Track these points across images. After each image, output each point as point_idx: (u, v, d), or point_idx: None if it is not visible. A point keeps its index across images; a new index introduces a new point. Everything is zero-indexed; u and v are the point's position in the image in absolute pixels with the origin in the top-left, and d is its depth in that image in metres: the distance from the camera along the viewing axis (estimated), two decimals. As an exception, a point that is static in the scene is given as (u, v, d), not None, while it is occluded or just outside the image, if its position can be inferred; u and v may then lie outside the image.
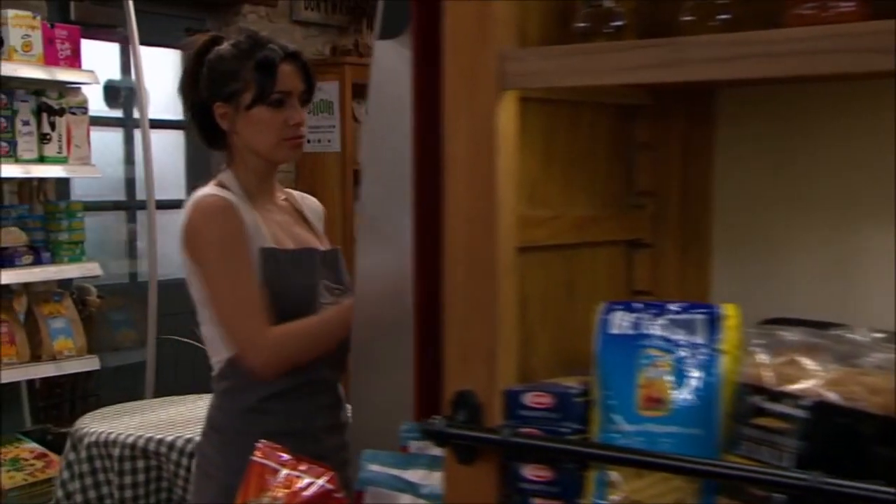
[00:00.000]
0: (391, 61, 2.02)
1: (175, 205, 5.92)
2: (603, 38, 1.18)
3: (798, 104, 1.35)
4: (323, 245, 2.57)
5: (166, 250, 5.91)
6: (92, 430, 3.29)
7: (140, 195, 5.50)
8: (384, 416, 2.10)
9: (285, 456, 1.61)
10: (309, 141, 6.59)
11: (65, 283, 5.03)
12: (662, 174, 1.43)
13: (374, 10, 6.76)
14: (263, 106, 2.42)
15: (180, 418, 3.43)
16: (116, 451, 3.16)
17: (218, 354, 2.46)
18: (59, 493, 3.32)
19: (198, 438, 3.14)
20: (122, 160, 5.63)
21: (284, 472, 1.56)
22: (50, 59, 4.56)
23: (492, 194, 1.20)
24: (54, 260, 4.70)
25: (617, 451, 1.08)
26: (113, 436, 3.21)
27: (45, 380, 4.99)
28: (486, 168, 1.20)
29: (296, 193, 2.67)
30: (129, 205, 5.69)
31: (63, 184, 5.43)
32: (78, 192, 5.47)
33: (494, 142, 1.20)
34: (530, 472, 1.17)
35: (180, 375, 5.42)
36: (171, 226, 5.89)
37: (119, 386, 5.35)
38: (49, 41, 4.55)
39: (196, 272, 2.43)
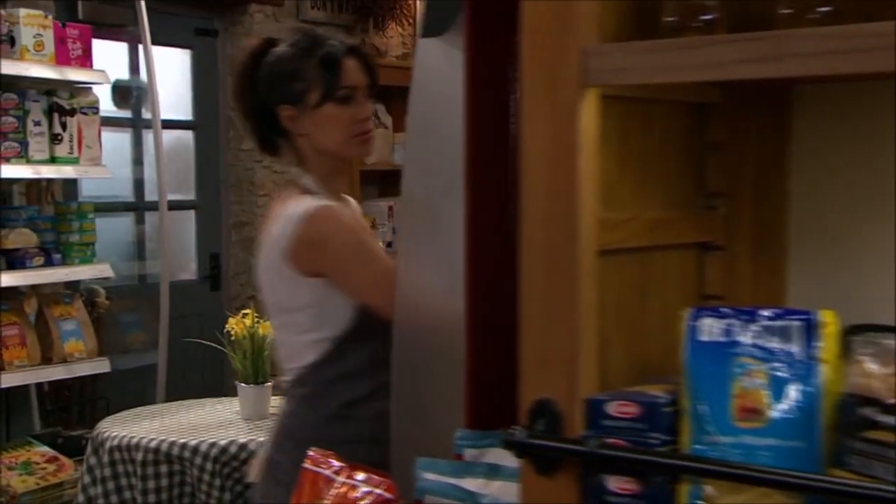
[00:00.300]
0: (435, 60, 1.98)
1: (183, 205, 5.94)
2: (692, 33, 1.13)
3: (878, 101, 1.31)
4: None
5: (175, 252, 5.89)
6: (113, 433, 3.24)
7: (150, 196, 5.45)
8: (427, 421, 2.06)
9: (337, 463, 1.57)
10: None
11: (72, 285, 4.98)
12: (735, 174, 1.39)
13: (380, 10, 6.72)
14: (331, 103, 2.39)
15: (202, 422, 3.38)
16: (139, 456, 3.11)
17: (297, 360, 2.42)
18: (81, 497, 3.27)
19: (222, 443, 3.11)
20: (130, 161, 5.57)
21: (340, 479, 1.51)
22: (61, 58, 4.51)
23: (572, 195, 1.16)
24: (65, 261, 4.66)
25: (719, 465, 1.03)
26: (135, 440, 3.16)
27: (53, 382, 4.95)
28: (567, 168, 1.16)
29: (352, 200, 2.64)
30: (140, 206, 5.63)
31: (71, 185, 5.38)
32: (85, 193, 5.42)
33: (576, 141, 1.15)
34: (616, 484, 1.13)
35: (189, 378, 5.36)
36: (178, 227, 5.91)
37: (128, 389, 5.31)
38: (60, 41, 4.51)
39: (313, 280, 2.37)
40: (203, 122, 5.99)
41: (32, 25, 4.37)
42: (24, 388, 4.78)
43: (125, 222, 5.69)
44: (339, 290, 2.38)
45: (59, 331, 4.63)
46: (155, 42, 4.93)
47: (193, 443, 3.12)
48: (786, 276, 1.38)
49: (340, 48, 2.42)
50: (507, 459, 1.61)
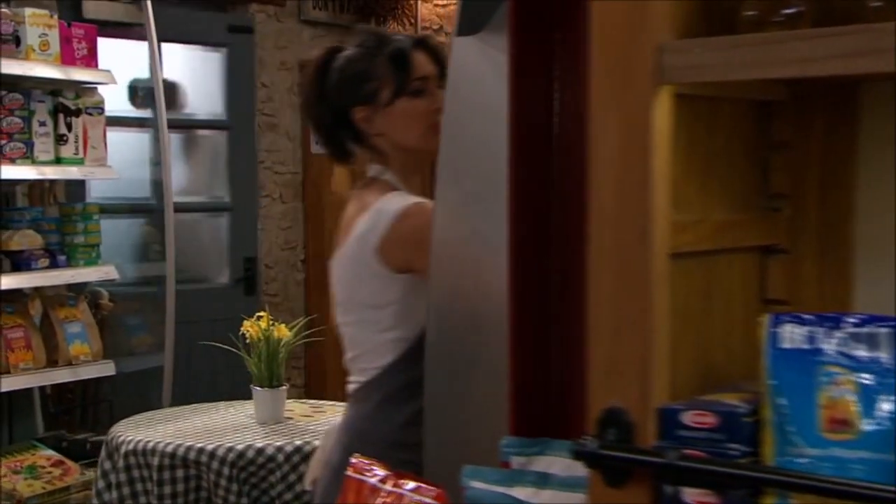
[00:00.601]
0: (470, 59, 1.94)
1: (216, 208, 5.88)
2: (773, 28, 1.09)
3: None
4: None
5: (206, 255, 5.82)
6: (128, 437, 3.19)
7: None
8: (463, 427, 2.01)
9: (382, 472, 1.52)
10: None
11: (76, 287, 4.92)
12: (800, 174, 1.34)
13: (381, 10, 6.68)
14: (404, 97, 2.38)
15: (216, 426, 3.33)
16: (155, 460, 3.06)
17: (372, 360, 2.39)
18: (96, 502, 3.21)
19: (239, 447, 3.07)
20: (148, 161, 5.50)
21: (386, 488, 1.47)
22: (67, 58, 4.46)
23: (645, 197, 1.12)
24: (70, 263, 4.60)
25: (811, 479, 0.99)
26: (151, 444, 3.11)
27: (55, 385, 4.89)
28: (640, 169, 1.12)
29: None
30: (148, 207, 5.55)
31: (77, 186, 5.33)
32: (95, 195, 5.36)
33: (649, 140, 1.11)
34: (694, 497, 1.08)
35: (192, 381, 5.30)
36: (211, 230, 5.84)
37: (131, 391, 5.25)
38: (66, 40, 4.46)
39: (402, 276, 2.35)
40: (236, 122, 5.89)
41: (38, 25, 4.32)
42: (27, 391, 4.73)
43: (140, 224, 5.62)
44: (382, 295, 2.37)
45: (64, 333, 4.58)
46: (185, 41, 4.89)
47: (210, 447, 3.07)
48: (852, 280, 1.33)
49: (407, 42, 2.42)
50: (556, 467, 1.57)
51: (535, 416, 1.63)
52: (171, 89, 5.67)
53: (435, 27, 7.25)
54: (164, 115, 4.76)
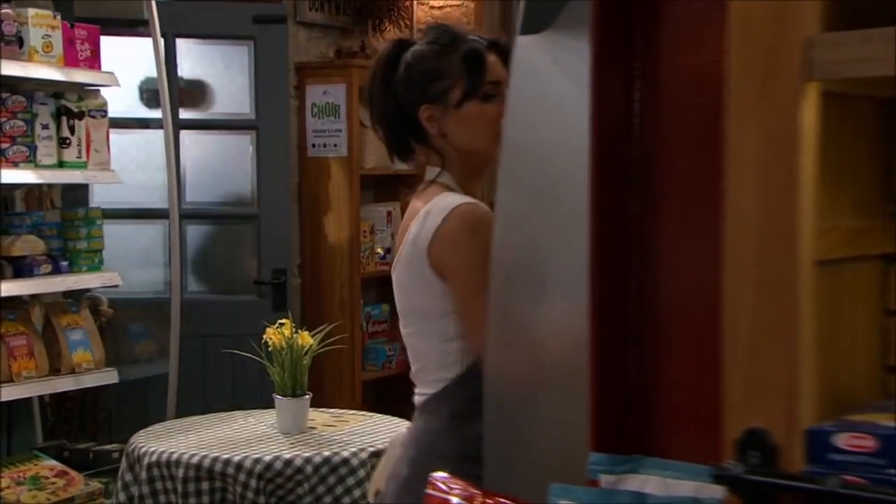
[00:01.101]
0: (536, 58, 1.86)
1: (242, 216, 5.66)
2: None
3: None
4: None
5: (231, 267, 5.63)
6: (150, 448, 3.08)
7: (182, 203, 5.22)
8: (528, 444, 1.93)
9: (467, 489, 1.44)
10: (314, 145, 6.41)
11: (76, 293, 4.81)
12: (926, 178, 1.27)
13: (378, 12, 6.58)
14: (475, 100, 2.30)
15: (239, 437, 3.23)
16: (180, 472, 2.96)
17: (440, 372, 2.31)
18: (116, 516, 3.12)
19: (267, 458, 2.97)
20: (161, 165, 5.38)
21: (475, 510, 1.39)
22: (70, 60, 4.36)
23: (792, 201, 1.04)
24: (72, 269, 4.50)
25: None
26: (175, 455, 3.01)
27: (54, 394, 4.79)
28: (786, 171, 1.04)
29: None
30: (152, 212, 5.42)
31: (78, 190, 5.22)
32: (99, 199, 5.26)
33: (796, 140, 1.04)
34: (851, 526, 1.01)
35: (194, 391, 5.18)
36: (237, 239, 5.61)
37: (132, 400, 5.15)
38: (69, 41, 4.35)
39: (443, 283, 2.27)
40: (266, 122, 5.56)
41: (41, 26, 4.21)
42: (26, 400, 4.62)
43: (151, 229, 5.48)
44: (453, 299, 2.27)
45: (66, 340, 4.47)
46: (205, 35, 4.76)
47: (237, 458, 2.97)
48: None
49: (482, 43, 2.34)
50: (651, 487, 1.49)
51: (617, 431, 1.55)
52: (192, 88, 5.54)
53: (431, 29, 7.18)
54: (169, 115, 4.65)
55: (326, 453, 2.99)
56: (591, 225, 1.54)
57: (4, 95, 4.16)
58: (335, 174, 6.30)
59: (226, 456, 3.00)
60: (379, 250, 6.57)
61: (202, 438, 3.19)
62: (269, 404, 3.40)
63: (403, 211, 7.31)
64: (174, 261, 4.77)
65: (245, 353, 3.44)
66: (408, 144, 2.41)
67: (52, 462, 4.50)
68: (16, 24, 4.14)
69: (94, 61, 4.46)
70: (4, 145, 4.13)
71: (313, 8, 6.63)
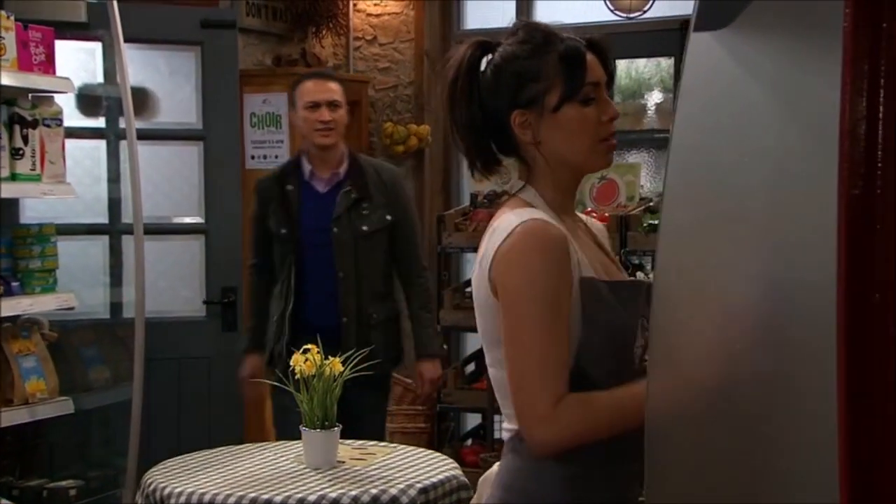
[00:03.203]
0: (714, 58, 1.65)
1: (187, 230, 5.21)
2: None
3: None
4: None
5: (178, 283, 5.29)
6: (176, 489, 2.75)
7: (126, 217, 4.88)
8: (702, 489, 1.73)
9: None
10: (253, 157, 6.12)
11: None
12: None
13: (319, 18, 6.36)
14: (574, 104, 2.08)
15: (267, 473, 2.93)
16: (218, 516, 2.66)
17: None
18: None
19: (311, 498, 2.71)
20: (102, 178, 5.02)
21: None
22: (23, 64, 4.02)
23: None
24: (24, 290, 4.15)
25: None
26: (208, 496, 2.68)
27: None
28: None
29: (585, 217, 2.31)
30: (110, 228, 5.06)
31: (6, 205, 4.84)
32: (29, 214, 4.88)
33: None
34: None
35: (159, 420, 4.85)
36: (183, 255, 5.24)
37: (80, 431, 4.79)
38: (23, 44, 4.01)
39: (500, 306, 2.03)
40: (213, 132, 5.26)
41: (-7, 27, 3.87)
42: (-35, 434, 4.25)
43: (91, 246, 5.11)
44: (500, 330, 2.06)
45: (19, 369, 4.12)
46: (150, 40, 4.46)
47: (278, 499, 2.66)
48: None
49: (580, 41, 2.11)
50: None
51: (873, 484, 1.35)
52: (136, 95, 5.19)
53: (368, 37, 6.96)
54: (133, 125, 4.33)
55: (374, 491, 2.71)
56: (841, 240, 1.35)
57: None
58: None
59: (266, 496, 2.68)
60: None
61: (227, 476, 2.87)
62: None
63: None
64: (138, 279, 4.43)
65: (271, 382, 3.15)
66: (493, 155, 2.19)
67: (5, 501, 4.14)
68: (-33, 25, 3.80)
69: (49, 66, 4.13)
70: (-44, 157, 3.79)
71: (250, 14, 6.38)
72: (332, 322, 4.27)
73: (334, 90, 4.44)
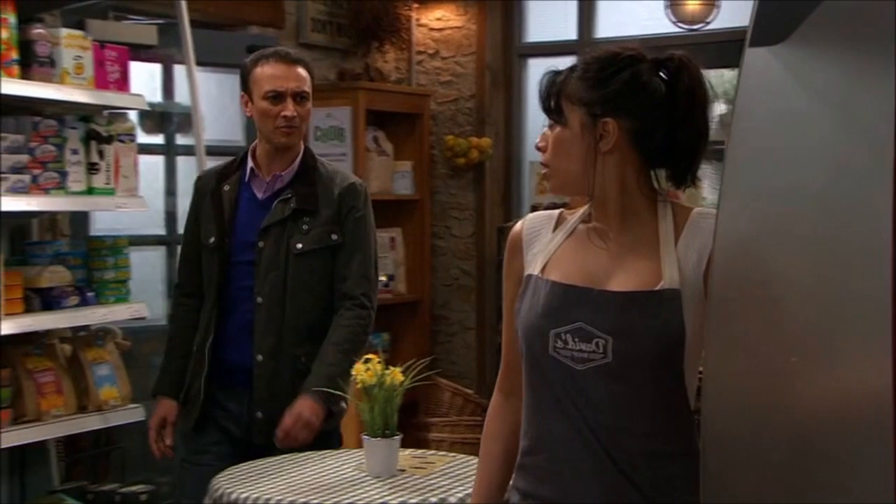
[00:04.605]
0: (770, 73, 1.71)
1: None
2: None
3: None
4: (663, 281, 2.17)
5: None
6: (242, 494, 2.87)
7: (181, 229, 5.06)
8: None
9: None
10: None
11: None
12: None
13: (382, 33, 6.47)
14: None
15: (329, 481, 3.02)
16: (286, 521, 2.77)
17: None
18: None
19: (378, 501, 2.80)
20: (160, 191, 5.19)
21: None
22: (100, 82, 4.16)
23: None
24: (99, 300, 4.29)
25: None
26: (272, 502, 2.78)
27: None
28: None
29: (698, 211, 2.30)
30: (169, 240, 5.25)
31: (77, 217, 5.03)
32: (98, 227, 5.06)
33: None
34: None
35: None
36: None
37: (136, 438, 4.91)
38: (99, 63, 4.15)
39: None
40: None
41: (73, 47, 4.02)
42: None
43: (151, 257, 5.29)
44: None
45: (93, 376, 4.25)
46: (201, 63, 4.60)
47: (347, 502, 2.78)
48: None
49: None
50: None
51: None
52: (184, 114, 5.39)
53: (430, 51, 7.06)
54: (202, 141, 4.46)
55: (433, 500, 2.79)
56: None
57: (37, 119, 3.96)
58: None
59: (330, 503, 2.80)
60: (382, 277, 6.42)
61: (290, 483, 2.97)
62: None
63: (407, 236, 7.12)
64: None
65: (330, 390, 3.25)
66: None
67: (77, 504, 4.29)
68: (49, 44, 3.94)
69: (123, 84, 4.26)
70: (36, 171, 3.93)
71: (315, 29, 6.51)
72: (245, 360, 3.56)
73: (303, 78, 3.65)
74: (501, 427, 2.34)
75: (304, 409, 3.43)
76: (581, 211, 2.29)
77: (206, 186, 3.75)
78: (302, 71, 3.64)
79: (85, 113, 4.20)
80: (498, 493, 2.34)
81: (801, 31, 1.67)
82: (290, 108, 3.57)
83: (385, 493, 2.88)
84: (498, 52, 6.99)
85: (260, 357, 3.51)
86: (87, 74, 4.08)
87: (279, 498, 2.81)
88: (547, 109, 2.21)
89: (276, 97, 3.58)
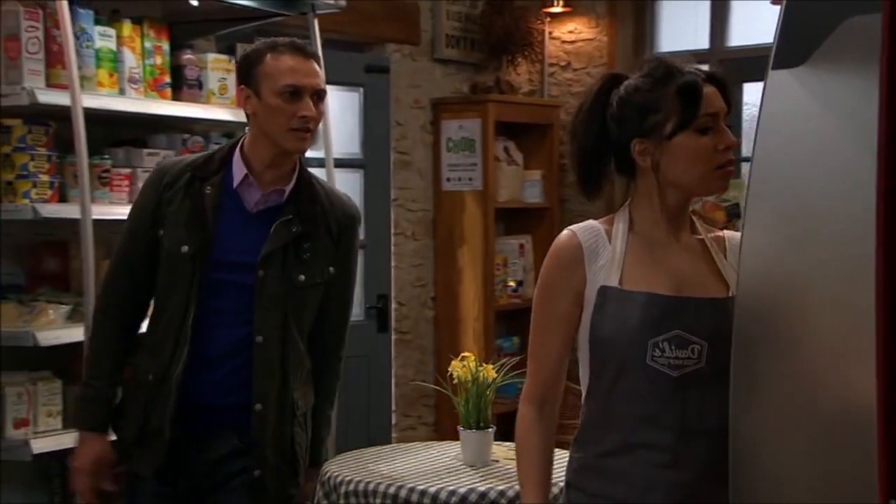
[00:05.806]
0: (790, 94, 1.88)
1: None
2: None
3: None
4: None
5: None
6: (348, 478, 3.26)
7: None
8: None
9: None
10: (449, 179, 6.57)
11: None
12: None
13: (513, 47, 6.72)
14: (689, 133, 2.30)
15: (428, 468, 3.40)
16: (377, 502, 3.14)
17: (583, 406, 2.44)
18: (318, 544, 3.28)
19: (461, 490, 3.15)
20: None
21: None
22: (240, 101, 4.56)
23: None
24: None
25: None
26: (372, 486, 3.19)
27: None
28: None
29: (728, 234, 2.47)
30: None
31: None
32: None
33: None
34: None
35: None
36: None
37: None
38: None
39: None
40: (372, 161, 6.08)
41: (218, 70, 4.44)
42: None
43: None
44: None
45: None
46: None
47: (432, 490, 3.13)
48: None
49: (699, 75, 2.32)
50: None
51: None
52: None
53: (562, 63, 7.28)
54: (331, 154, 4.82)
55: (518, 487, 3.12)
56: (880, 269, 1.61)
57: (185, 136, 4.39)
58: (469, 207, 6.47)
59: (421, 487, 3.14)
60: (511, 283, 6.71)
61: (393, 469, 3.35)
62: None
63: (536, 243, 7.28)
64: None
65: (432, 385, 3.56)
66: (605, 179, 2.44)
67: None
68: (197, 68, 4.37)
69: (261, 103, 4.67)
70: (184, 186, 4.35)
71: (450, 45, 6.80)
72: (235, 401, 2.93)
73: (321, 75, 3.10)
74: (538, 440, 2.43)
75: (311, 491, 3.20)
76: (617, 219, 2.39)
77: (177, 182, 3.01)
78: (318, 67, 3.08)
79: (228, 129, 4.62)
80: (547, 497, 2.45)
81: (821, 51, 1.82)
82: (309, 108, 2.97)
83: (475, 481, 3.23)
84: (629, 63, 7.16)
85: (258, 406, 2.90)
86: (230, 94, 4.49)
87: (379, 481, 3.21)
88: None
89: (294, 94, 2.96)
